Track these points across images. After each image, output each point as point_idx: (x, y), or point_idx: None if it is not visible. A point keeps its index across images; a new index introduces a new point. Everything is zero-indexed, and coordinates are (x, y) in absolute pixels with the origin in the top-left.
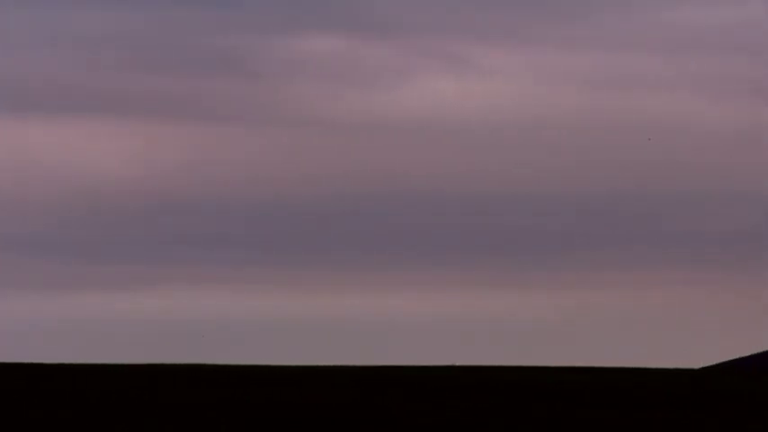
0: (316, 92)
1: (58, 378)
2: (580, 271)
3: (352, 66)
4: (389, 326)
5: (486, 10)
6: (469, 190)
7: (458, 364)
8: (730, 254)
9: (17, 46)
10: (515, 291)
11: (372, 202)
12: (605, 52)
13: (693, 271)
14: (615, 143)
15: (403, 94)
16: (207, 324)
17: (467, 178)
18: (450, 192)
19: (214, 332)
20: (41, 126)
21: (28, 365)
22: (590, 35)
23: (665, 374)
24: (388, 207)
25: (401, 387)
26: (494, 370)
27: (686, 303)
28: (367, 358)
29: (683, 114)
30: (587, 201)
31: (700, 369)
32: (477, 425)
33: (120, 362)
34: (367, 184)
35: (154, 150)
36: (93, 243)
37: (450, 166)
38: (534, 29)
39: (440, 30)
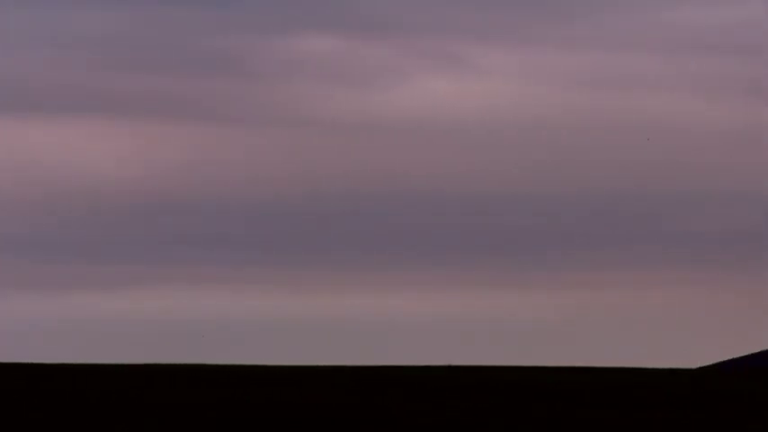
0: (315, 92)
1: (58, 378)
2: (580, 271)
3: (352, 66)
4: (389, 326)
5: (484, 10)
6: (469, 190)
7: (453, 364)
8: (730, 254)
9: (17, 46)
10: (515, 291)
11: (372, 202)
12: (605, 52)
13: (693, 271)
14: (615, 143)
15: (402, 93)
16: (207, 324)
17: (466, 178)
18: (449, 192)
19: (214, 332)
20: (41, 126)
21: (28, 365)
22: (590, 35)
23: (665, 374)
24: (387, 207)
25: (401, 387)
26: (494, 370)
27: (686, 303)
28: (367, 358)
29: (682, 114)
30: (587, 201)
31: (699, 369)
32: (477, 425)
33: (120, 362)
34: (367, 184)
35: (154, 150)
36: (93, 243)
37: (450, 166)
38: (533, 29)
39: (439, 29)
